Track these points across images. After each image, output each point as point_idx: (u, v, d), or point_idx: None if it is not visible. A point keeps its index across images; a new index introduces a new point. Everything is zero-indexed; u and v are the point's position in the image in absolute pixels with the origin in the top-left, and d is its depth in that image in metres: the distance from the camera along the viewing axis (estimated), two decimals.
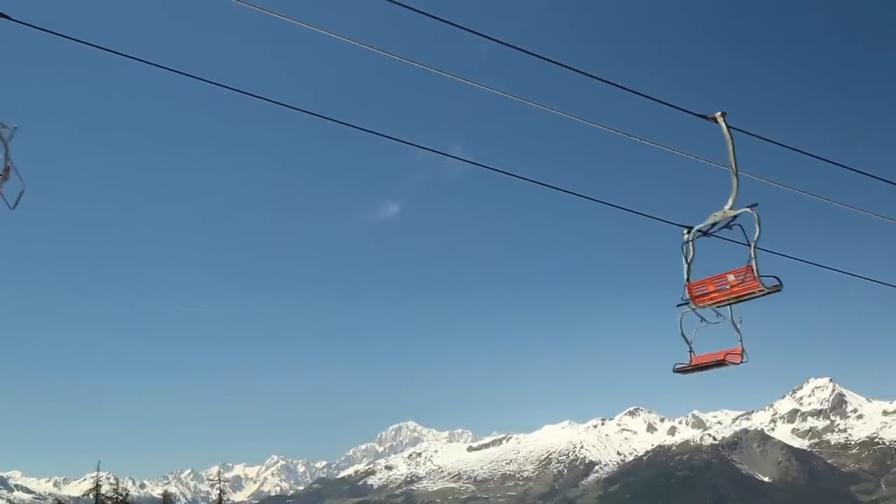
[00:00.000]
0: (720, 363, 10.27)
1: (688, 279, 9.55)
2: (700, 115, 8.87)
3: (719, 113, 9.00)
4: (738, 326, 9.91)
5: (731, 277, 8.82)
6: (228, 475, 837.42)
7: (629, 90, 9.79)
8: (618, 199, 10.92)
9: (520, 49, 8.80)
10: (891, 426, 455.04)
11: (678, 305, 9.96)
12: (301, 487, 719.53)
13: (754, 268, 8.18)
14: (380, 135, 9.66)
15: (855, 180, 13.11)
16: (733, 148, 9.07)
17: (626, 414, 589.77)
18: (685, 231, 9.73)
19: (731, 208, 8.71)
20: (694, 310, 9.77)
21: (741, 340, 10.08)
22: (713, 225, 8.84)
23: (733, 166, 9.13)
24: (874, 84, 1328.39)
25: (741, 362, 10.31)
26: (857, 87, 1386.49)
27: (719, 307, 9.47)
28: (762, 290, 8.15)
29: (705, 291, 9.26)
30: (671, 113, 10.67)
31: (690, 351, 10.23)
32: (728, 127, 9.06)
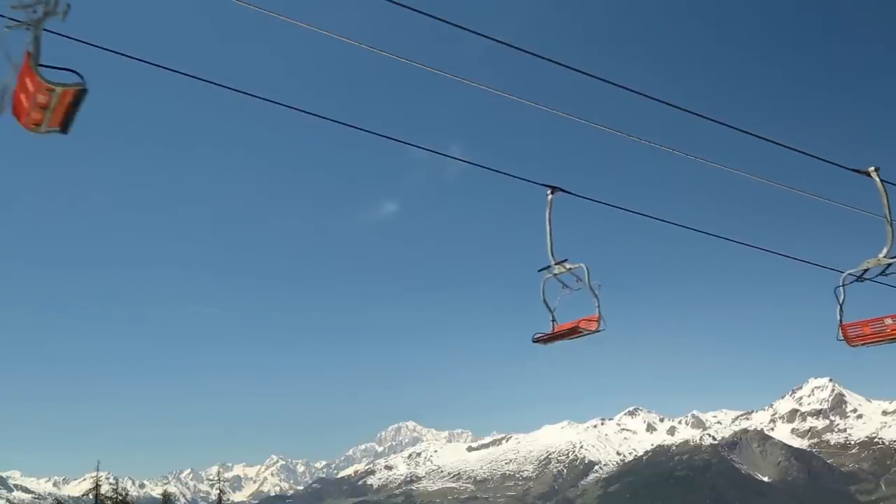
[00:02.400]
0: (574, 331, 9.86)
1: (840, 320, 9.46)
2: (854, 170, 8.93)
3: (873, 168, 9.08)
4: (596, 292, 9.54)
5: (888, 321, 8.72)
6: (228, 475, 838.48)
7: (629, 90, 9.78)
8: (618, 199, 10.90)
9: (517, 48, 8.74)
10: (890, 426, 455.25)
11: (539, 270, 9.60)
12: (301, 487, 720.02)
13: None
14: (378, 135, 9.64)
15: (855, 180, 13.07)
16: (888, 201, 9.05)
17: (625, 414, 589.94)
18: (841, 276, 9.65)
19: (885, 256, 8.55)
20: (555, 275, 9.44)
21: (598, 306, 9.70)
22: (865, 271, 8.73)
23: (888, 217, 9.09)
24: (874, 83, 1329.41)
25: (598, 329, 9.90)
26: (857, 87, 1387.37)
27: (871, 345, 9.32)
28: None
29: (861, 333, 9.14)
30: (669, 111, 10.65)
31: (553, 320, 9.85)
32: (882, 182, 9.06)
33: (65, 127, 6.49)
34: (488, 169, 9.26)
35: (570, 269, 9.36)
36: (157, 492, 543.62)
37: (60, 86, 6.05)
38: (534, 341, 10.17)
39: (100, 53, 7.72)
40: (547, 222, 9.57)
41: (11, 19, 6.29)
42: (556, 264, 9.46)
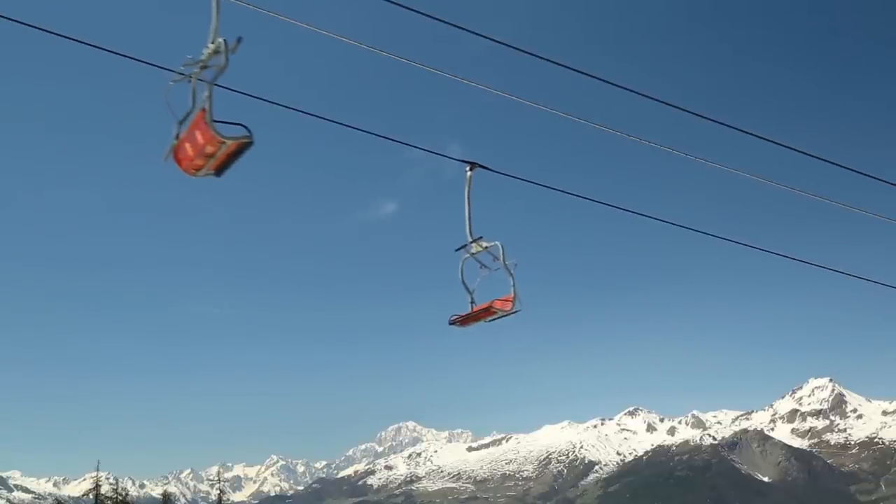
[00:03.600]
0: (489, 311, 9.48)
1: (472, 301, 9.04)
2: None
3: None
4: (511, 270, 9.22)
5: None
6: (228, 475, 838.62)
7: (629, 90, 9.78)
8: (618, 198, 10.91)
9: (516, 48, 8.75)
10: (890, 426, 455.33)
11: (456, 250, 9.29)
12: (301, 487, 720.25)
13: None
14: (377, 135, 9.64)
15: (855, 180, 13.09)
16: None
17: (625, 414, 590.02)
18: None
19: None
20: (474, 254, 9.18)
21: (514, 285, 9.34)
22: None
23: None
24: (874, 83, 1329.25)
25: (513, 310, 9.52)
26: (857, 87, 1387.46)
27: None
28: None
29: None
30: (669, 111, 10.65)
31: (472, 301, 9.54)
32: None
33: (220, 172, 7.25)
34: (488, 169, 9.26)
35: (486, 247, 9.08)
36: (157, 492, 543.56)
37: (231, 139, 6.73)
38: (450, 323, 9.85)
39: (101, 53, 7.84)
40: (466, 199, 9.22)
41: (178, 73, 7.06)
42: (471, 242, 9.15)
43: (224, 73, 6.88)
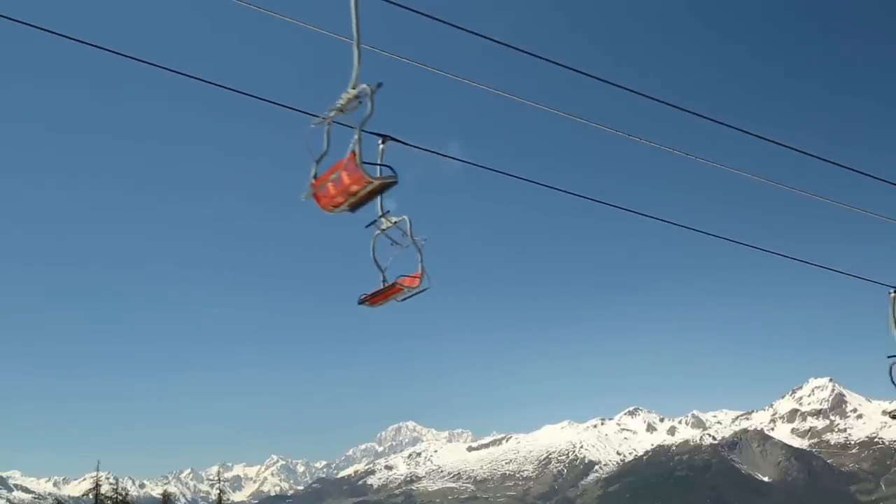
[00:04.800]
0: (395, 288, 9.13)
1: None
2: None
3: None
4: (420, 246, 8.93)
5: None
6: (228, 475, 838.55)
7: (629, 90, 9.79)
8: (618, 198, 10.92)
9: (515, 48, 8.77)
10: (890, 426, 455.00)
11: (367, 226, 8.97)
12: (301, 487, 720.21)
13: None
14: (377, 135, 9.73)
15: (855, 180, 13.09)
16: None
17: (625, 414, 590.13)
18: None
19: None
20: (384, 230, 8.85)
21: (421, 262, 9.05)
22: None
23: None
24: (874, 83, 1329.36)
25: (421, 287, 9.17)
26: (857, 87, 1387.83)
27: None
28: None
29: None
30: (669, 111, 10.66)
31: (384, 280, 9.20)
32: None
33: (355, 209, 7.68)
34: (486, 168, 9.29)
35: (395, 221, 8.78)
36: (157, 492, 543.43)
37: (378, 180, 7.17)
38: (359, 303, 9.47)
39: (103, 54, 8.02)
40: (378, 173, 8.74)
41: (318, 117, 7.50)
42: (381, 216, 8.82)
43: (370, 119, 7.23)
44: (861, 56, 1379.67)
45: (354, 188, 7.33)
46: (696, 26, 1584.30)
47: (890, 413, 13.29)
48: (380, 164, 7.30)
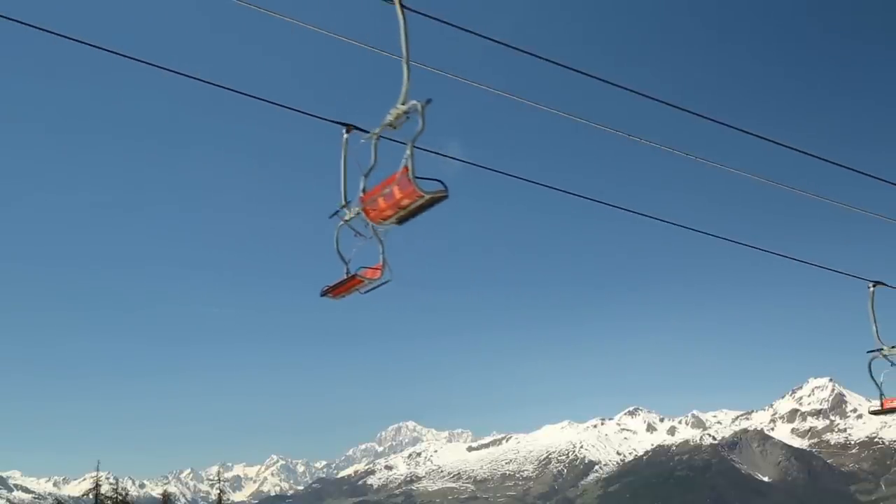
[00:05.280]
0: (355, 280, 9.00)
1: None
2: None
3: None
4: (381, 238, 8.80)
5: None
6: (228, 475, 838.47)
7: (629, 90, 9.79)
8: (618, 198, 10.93)
9: (515, 48, 8.76)
10: (890, 426, 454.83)
11: (330, 216, 8.89)
12: (301, 487, 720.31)
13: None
14: (377, 135, 9.70)
15: (855, 180, 13.10)
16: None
17: (625, 414, 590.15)
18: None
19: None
20: (347, 221, 8.76)
21: (383, 253, 8.89)
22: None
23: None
24: (874, 83, 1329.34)
25: (383, 280, 9.03)
26: (857, 87, 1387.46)
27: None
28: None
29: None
30: (669, 111, 10.66)
31: (347, 272, 9.10)
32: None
33: (402, 222, 7.77)
34: (486, 168, 9.28)
35: (357, 212, 8.67)
36: (157, 492, 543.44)
37: (429, 194, 7.23)
38: (321, 295, 9.39)
39: (103, 54, 8.03)
40: (342, 163, 8.92)
41: (370, 133, 7.73)
42: (343, 207, 8.76)
43: (422, 135, 7.35)
44: (861, 56, 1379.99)
45: (405, 202, 7.45)
46: (696, 26, 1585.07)
47: (870, 410, 13.27)
48: (430, 179, 7.31)
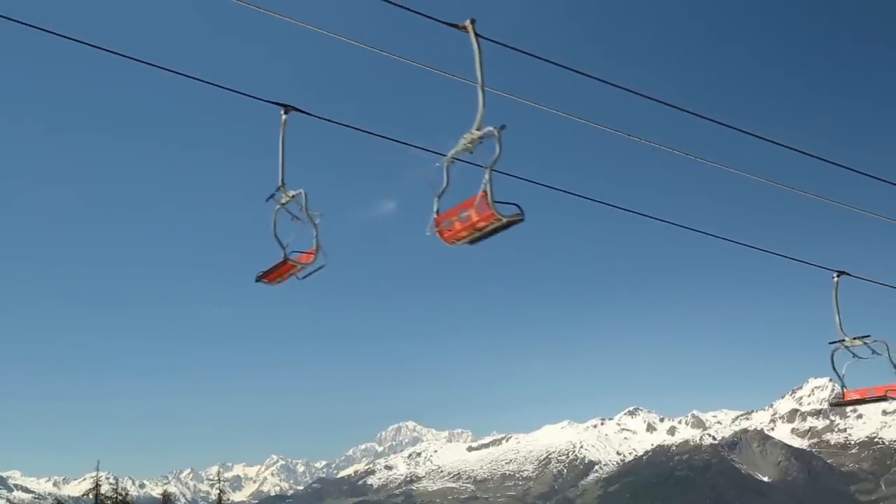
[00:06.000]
0: (287, 265, 8.86)
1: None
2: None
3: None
4: (315, 221, 8.71)
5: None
6: (228, 475, 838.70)
7: (629, 90, 9.79)
8: (618, 198, 10.92)
9: (514, 48, 8.79)
10: (890, 426, 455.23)
11: (267, 200, 8.75)
12: (301, 487, 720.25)
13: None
14: (377, 135, 9.66)
15: (855, 180, 13.10)
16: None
17: (625, 414, 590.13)
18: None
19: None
20: (284, 204, 8.69)
21: (316, 237, 8.82)
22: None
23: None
24: (874, 83, 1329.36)
25: (317, 264, 8.95)
26: (857, 87, 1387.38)
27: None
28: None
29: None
30: (669, 111, 10.66)
31: (285, 256, 8.93)
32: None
33: (475, 242, 7.89)
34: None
35: (292, 196, 8.65)
36: (157, 492, 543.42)
37: (507, 217, 7.34)
38: (256, 281, 9.26)
39: (103, 54, 8.05)
40: (280, 144, 8.82)
41: (446, 157, 7.90)
42: (279, 189, 8.63)
43: (499, 160, 7.43)
44: (861, 56, 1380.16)
45: (482, 224, 7.52)
46: (696, 26, 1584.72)
47: (830, 401, 13.19)
48: (508, 203, 7.37)
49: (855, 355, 12.29)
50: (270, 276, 9.14)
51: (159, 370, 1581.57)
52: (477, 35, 7.89)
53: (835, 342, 12.39)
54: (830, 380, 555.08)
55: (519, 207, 7.40)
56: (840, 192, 13.43)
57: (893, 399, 12.61)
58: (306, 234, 8.83)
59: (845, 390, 12.95)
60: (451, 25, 7.99)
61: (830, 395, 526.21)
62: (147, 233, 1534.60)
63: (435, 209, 7.95)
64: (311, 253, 8.90)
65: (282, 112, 8.66)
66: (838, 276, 12.44)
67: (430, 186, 7.96)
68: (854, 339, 12.21)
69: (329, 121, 8.79)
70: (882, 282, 13.98)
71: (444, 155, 7.90)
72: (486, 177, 7.45)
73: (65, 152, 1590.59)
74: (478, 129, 7.68)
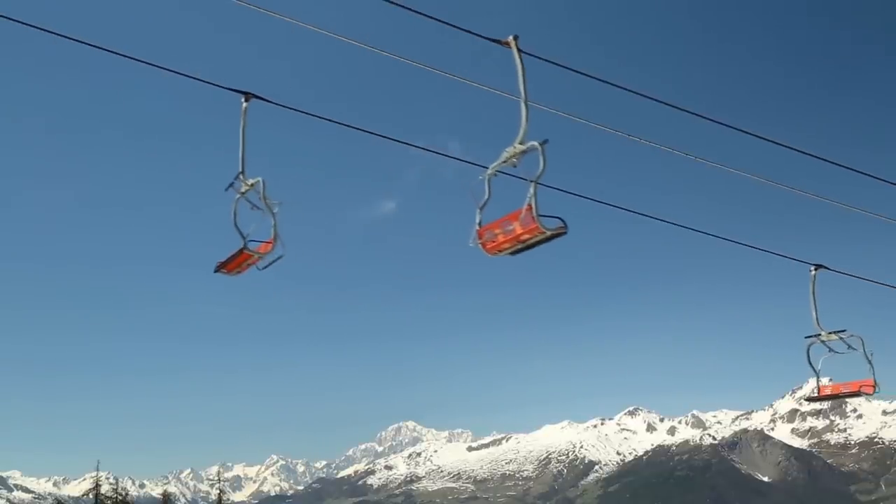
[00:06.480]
0: (242, 254, 8.76)
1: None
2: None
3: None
4: (273, 210, 8.62)
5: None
6: (228, 475, 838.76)
7: (629, 90, 9.78)
8: (618, 198, 10.90)
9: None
10: (890, 426, 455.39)
11: (226, 189, 8.70)
12: (301, 487, 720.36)
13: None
14: (377, 135, 9.66)
15: (855, 180, 13.10)
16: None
17: (625, 414, 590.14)
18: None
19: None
20: (244, 193, 8.64)
21: (274, 225, 8.66)
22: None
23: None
24: (874, 83, 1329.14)
25: (276, 255, 8.80)
26: (857, 87, 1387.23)
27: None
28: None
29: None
30: (669, 111, 10.66)
31: (245, 247, 8.84)
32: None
33: (516, 253, 8.10)
34: (485, 168, 9.24)
35: (251, 184, 8.56)
36: (157, 492, 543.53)
37: (551, 231, 7.55)
38: (215, 271, 9.16)
39: (103, 54, 8.08)
40: (241, 133, 8.78)
41: (488, 170, 8.05)
42: (237, 177, 8.53)
43: (544, 173, 7.61)
44: (861, 56, 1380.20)
45: (525, 237, 7.69)
46: (696, 26, 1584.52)
47: (805, 397, 13.00)
48: (552, 216, 7.55)
49: (831, 350, 12.18)
50: (229, 266, 9.03)
51: (159, 370, 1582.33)
52: (520, 51, 7.96)
53: (811, 336, 12.25)
54: (831, 379, 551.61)
55: (563, 221, 7.60)
56: (840, 192, 13.44)
57: (867, 395, 12.52)
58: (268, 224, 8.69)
59: (821, 385, 12.85)
60: (494, 41, 8.05)
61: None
62: (147, 233, 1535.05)
63: (477, 221, 8.06)
64: (269, 242, 8.72)
65: (242, 100, 8.59)
66: (816, 269, 12.30)
67: (472, 199, 8.06)
68: (830, 333, 12.08)
69: (425, 150, 9.08)
70: (859, 275, 13.91)
71: (446, 156, 8.13)
72: (531, 191, 7.58)
73: (65, 152, 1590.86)
74: (521, 143, 7.77)
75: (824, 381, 12.99)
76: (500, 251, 8.03)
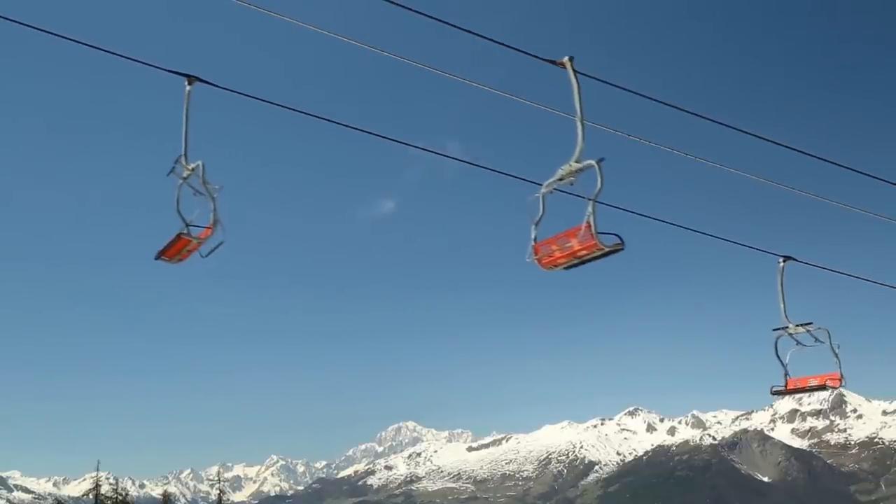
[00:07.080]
0: (179, 240, 8.61)
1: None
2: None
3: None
4: (213, 195, 8.45)
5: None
6: (228, 475, 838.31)
7: (629, 90, 9.77)
8: (618, 199, 10.88)
9: (513, 48, 8.76)
10: (890, 426, 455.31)
11: (167, 174, 8.57)
12: (301, 487, 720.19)
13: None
14: (377, 135, 9.65)
15: (855, 180, 13.09)
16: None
17: (625, 414, 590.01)
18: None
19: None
20: (185, 179, 8.46)
21: (214, 210, 8.49)
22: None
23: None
24: (874, 83, 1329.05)
25: (216, 240, 8.67)
26: (857, 87, 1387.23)
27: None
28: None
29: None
30: (669, 112, 10.65)
31: (187, 233, 8.64)
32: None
33: (570, 268, 8.36)
34: (486, 168, 9.25)
35: (192, 168, 8.39)
36: (157, 492, 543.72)
37: (609, 247, 7.75)
38: (155, 259, 8.96)
39: (103, 54, 7.98)
40: (184, 116, 8.60)
41: (544, 186, 8.28)
42: (178, 161, 8.36)
43: (601, 192, 7.73)
44: (861, 56, 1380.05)
45: (583, 253, 7.87)
46: (696, 26, 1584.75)
47: (773, 390, 12.74)
48: (609, 234, 7.69)
49: (798, 342, 11.97)
50: (167, 252, 8.80)
51: (159, 370, 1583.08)
52: (575, 71, 8.10)
53: (778, 329, 12.04)
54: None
55: (620, 238, 7.72)
56: (840, 192, 13.43)
57: (832, 388, 12.43)
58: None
59: (788, 378, 12.69)
60: (550, 62, 8.21)
61: (830, 395, 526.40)
62: (147, 233, 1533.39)
63: (532, 237, 8.33)
64: (209, 228, 8.52)
65: (185, 83, 8.39)
66: (784, 261, 12.13)
67: (527, 215, 8.30)
68: (797, 326, 11.89)
69: (425, 150, 9.09)
70: (858, 275, 13.84)
71: (446, 156, 8.19)
72: (590, 209, 7.71)
73: (65, 152, 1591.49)
74: (577, 162, 7.94)
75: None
76: (555, 266, 8.31)
